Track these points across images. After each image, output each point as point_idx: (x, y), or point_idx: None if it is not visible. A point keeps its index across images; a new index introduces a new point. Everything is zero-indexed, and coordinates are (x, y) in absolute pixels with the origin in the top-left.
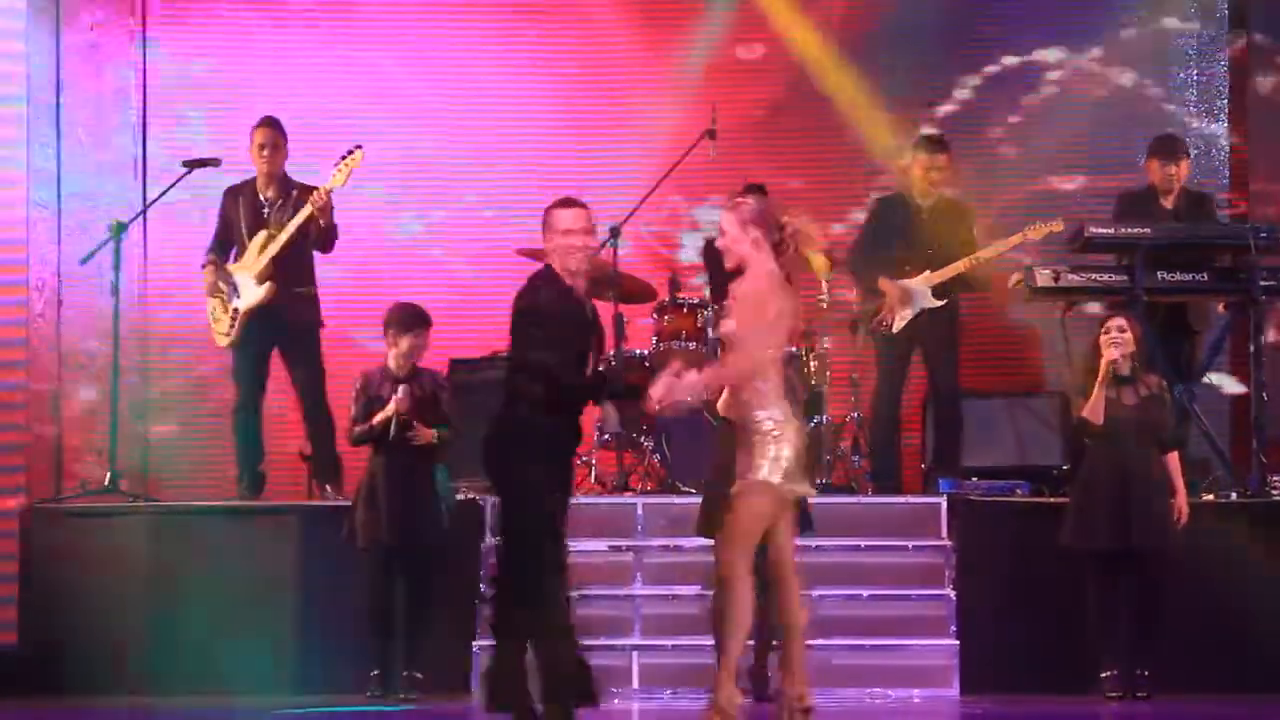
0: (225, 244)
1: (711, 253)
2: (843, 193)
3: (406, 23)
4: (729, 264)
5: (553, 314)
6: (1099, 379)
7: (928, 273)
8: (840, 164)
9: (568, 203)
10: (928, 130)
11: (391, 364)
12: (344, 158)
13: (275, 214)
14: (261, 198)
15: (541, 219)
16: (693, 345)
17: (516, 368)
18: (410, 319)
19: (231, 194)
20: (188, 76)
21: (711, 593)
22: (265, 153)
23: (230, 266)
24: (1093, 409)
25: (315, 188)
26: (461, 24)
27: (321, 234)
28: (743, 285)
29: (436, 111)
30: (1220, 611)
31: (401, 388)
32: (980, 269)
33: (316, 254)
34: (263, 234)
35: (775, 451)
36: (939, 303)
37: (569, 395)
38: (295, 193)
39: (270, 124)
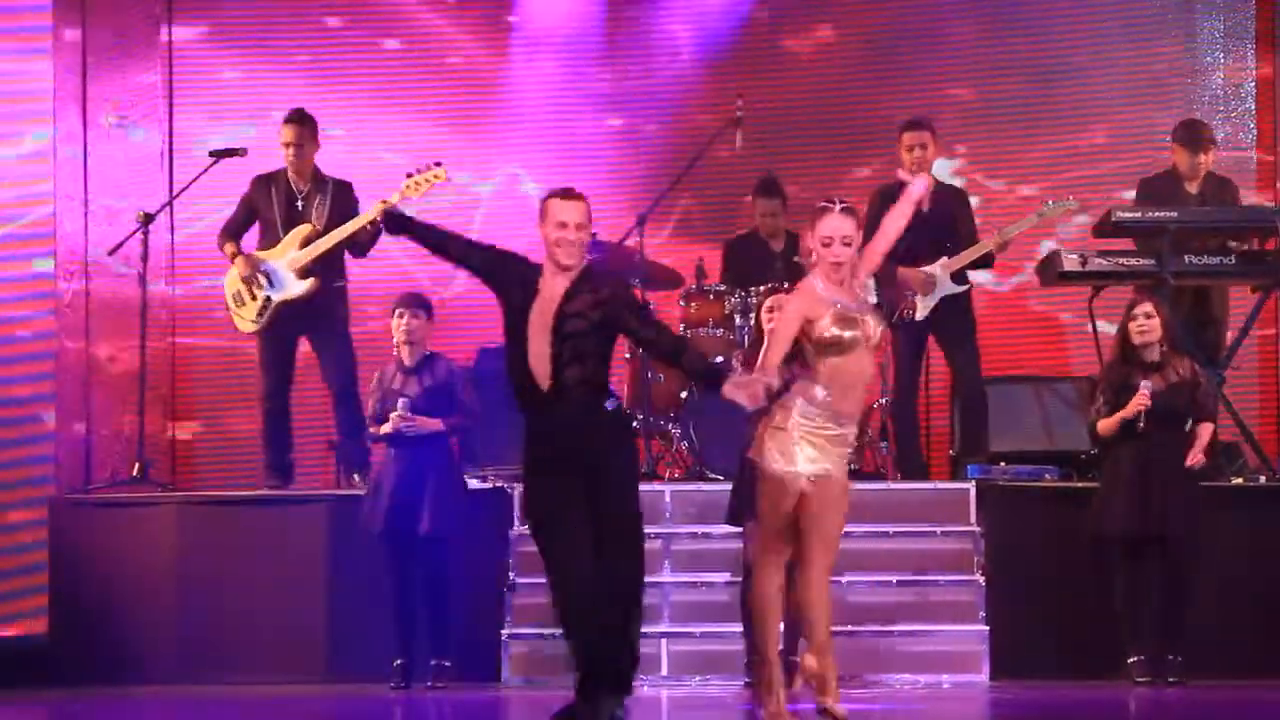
0: (241, 231)
1: (734, 248)
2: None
3: (434, 11)
4: (847, 272)
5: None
6: (1124, 412)
7: (944, 259)
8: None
9: (567, 194)
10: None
11: (400, 353)
12: (421, 172)
13: (315, 208)
14: (295, 189)
15: (539, 206)
16: (719, 332)
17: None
18: (398, 300)
19: (263, 182)
20: (214, 66)
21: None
22: (292, 152)
23: (259, 254)
24: (1105, 428)
25: (348, 183)
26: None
27: (369, 238)
28: (865, 293)
29: (464, 100)
30: (1250, 596)
31: (401, 402)
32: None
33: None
34: (306, 227)
35: None
36: (961, 288)
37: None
38: (330, 187)
39: (297, 120)
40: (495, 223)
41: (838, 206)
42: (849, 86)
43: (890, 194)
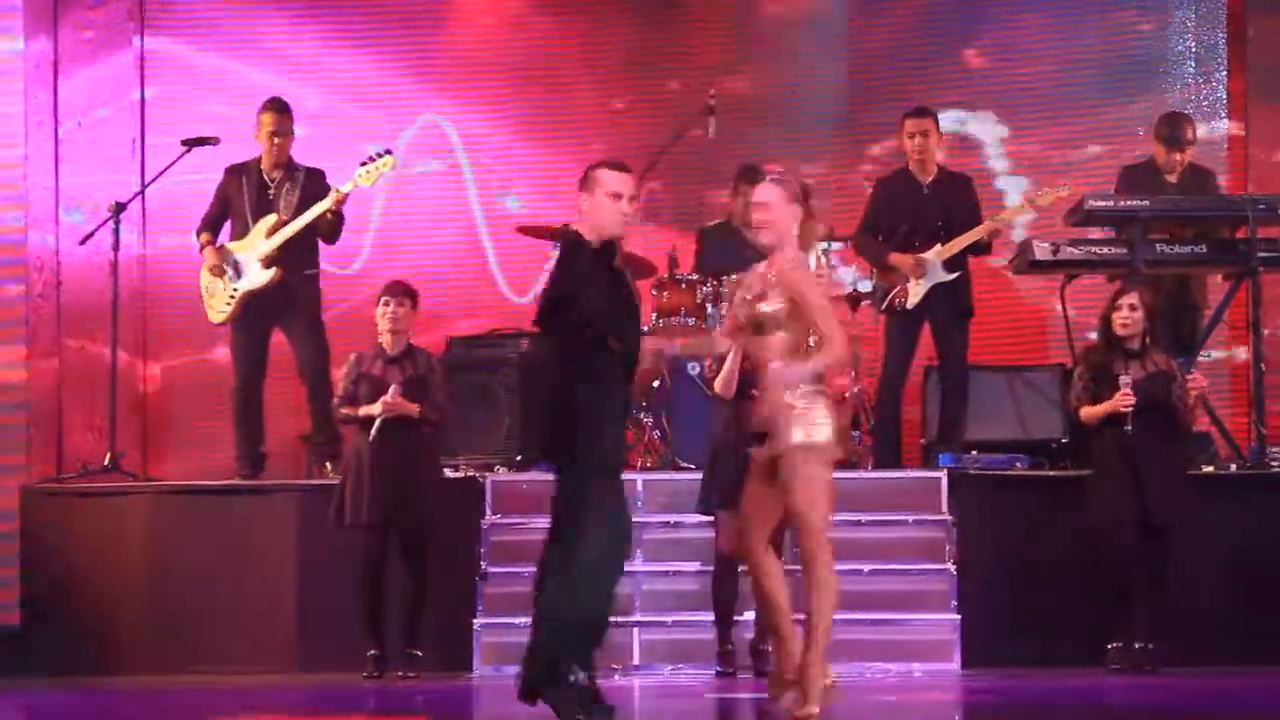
0: (218, 223)
1: (707, 236)
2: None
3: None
4: (767, 239)
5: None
6: (1108, 406)
7: (938, 247)
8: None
9: (618, 165)
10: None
11: (382, 340)
12: (374, 160)
13: (284, 197)
14: (266, 178)
15: (582, 176)
16: (692, 321)
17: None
18: (384, 288)
19: (234, 173)
20: (187, 54)
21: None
22: (277, 140)
23: (230, 245)
24: (1089, 416)
25: (320, 171)
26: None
27: (330, 226)
28: (790, 265)
29: (427, 90)
30: (1221, 584)
31: (393, 389)
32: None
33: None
34: (272, 217)
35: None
36: (951, 276)
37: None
38: (301, 175)
39: (278, 109)
40: (434, 201)
41: (767, 177)
42: (848, 68)
43: (892, 182)
